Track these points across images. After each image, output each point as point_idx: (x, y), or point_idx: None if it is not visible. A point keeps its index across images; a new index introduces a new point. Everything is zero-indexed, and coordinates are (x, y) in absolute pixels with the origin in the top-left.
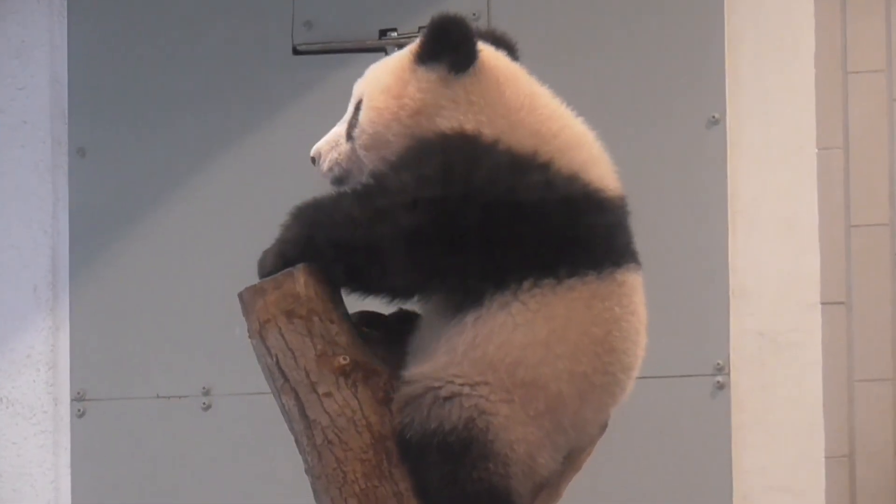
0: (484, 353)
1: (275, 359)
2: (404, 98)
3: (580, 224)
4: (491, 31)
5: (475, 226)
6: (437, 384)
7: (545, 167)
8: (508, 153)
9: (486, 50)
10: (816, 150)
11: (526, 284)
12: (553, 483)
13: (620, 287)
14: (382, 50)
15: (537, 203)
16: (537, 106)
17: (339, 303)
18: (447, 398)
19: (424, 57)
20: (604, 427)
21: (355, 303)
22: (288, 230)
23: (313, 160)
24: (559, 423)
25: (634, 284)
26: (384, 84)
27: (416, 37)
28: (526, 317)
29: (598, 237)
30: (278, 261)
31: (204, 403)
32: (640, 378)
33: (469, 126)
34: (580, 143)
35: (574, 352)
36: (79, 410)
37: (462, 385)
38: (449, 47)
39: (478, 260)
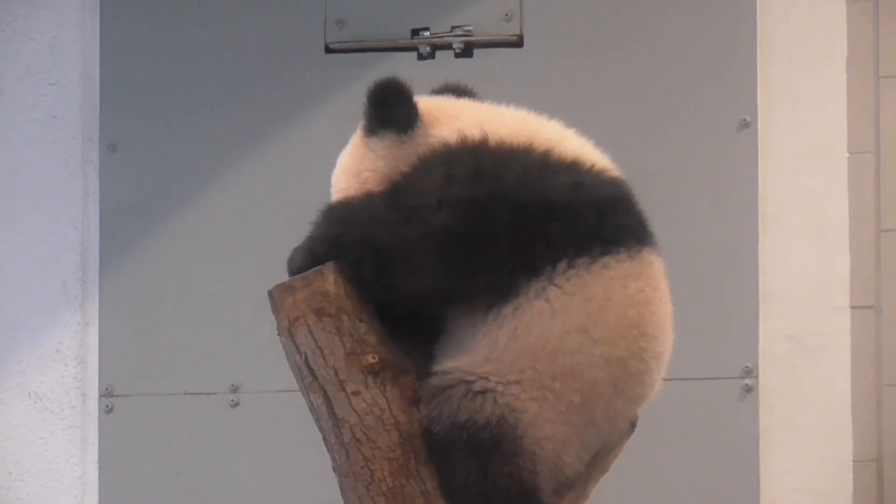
0: (524, 345)
1: (303, 356)
2: (363, 173)
3: (599, 202)
4: (447, 85)
5: (503, 220)
6: (470, 378)
7: (547, 155)
8: (514, 147)
9: (425, 100)
10: (847, 154)
11: (560, 266)
12: (580, 484)
13: (649, 267)
14: (415, 49)
15: (555, 187)
16: (501, 117)
17: (368, 301)
18: (479, 392)
19: (372, 128)
20: (633, 427)
21: None
22: (318, 228)
23: None
24: (591, 417)
25: (660, 267)
26: (344, 166)
27: (448, 36)
28: (563, 301)
29: (619, 214)
30: (308, 258)
31: (232, 400)
32: (668, 380)
33: None
34: (564, 136)
35: (612, 336)
36: (107, 406)
37: (496, 383)
38: (390, 112)
39: (509, 253)
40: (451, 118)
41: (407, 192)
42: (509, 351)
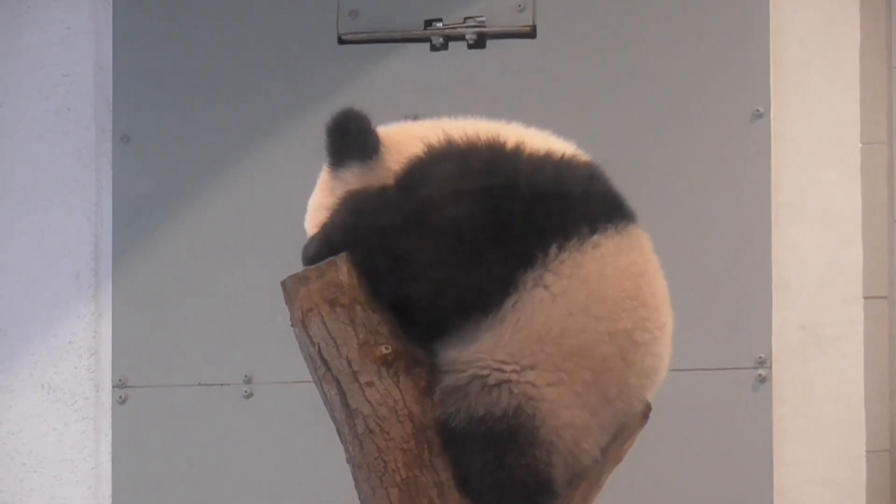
0: (529, 333)
1: (317, 347)
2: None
3: (579, 185)
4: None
5: (496, 213)
6: (484, 372)
7: (520, 149)
8: (487, 148)
9: (382, 127)
10: (860, 145)
11: (552, 251)
12: (594, 475)
13: (638, 241)
14: (427, 40)
15: (536, 177)
16: (462, 125)
17: (379, 295)
18: (494, 385)
19: (336, 161)
20: (646, 415)
21: None
22: (333, 216)
23: None
24: (606, 395)
25: (648, 242)
26: (316, 204)
27: (461, 27)
28: (561, 285)
29: (601, 194)
30: (323, 246)
31: (246, 391)
32: (682, 370)
33: None
34: (527, 132)
35: (612, 310)
36: (120, 397)
37: (510, 372)
38: (351, 141)
39: (504, 246)
40: (414, 138)
41: (420, 183)
42: (514, 340)
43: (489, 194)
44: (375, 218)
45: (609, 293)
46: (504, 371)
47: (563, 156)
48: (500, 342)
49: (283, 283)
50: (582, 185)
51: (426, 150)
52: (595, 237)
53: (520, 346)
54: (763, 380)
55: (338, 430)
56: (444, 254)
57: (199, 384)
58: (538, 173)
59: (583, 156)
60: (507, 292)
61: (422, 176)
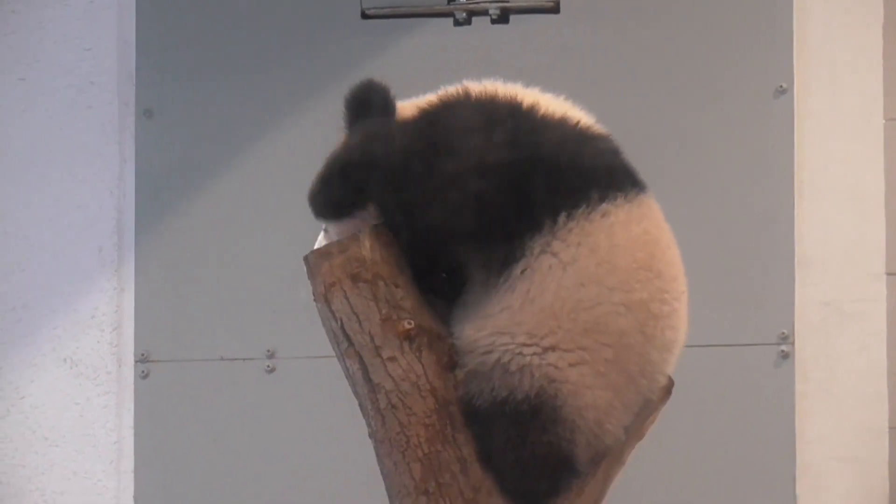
0: (542, 306)
1: (339, 322)
2: None
3: (591, 152)
4: None
5: (504, 176)
6: (506, 358)
7: (535, 109)
8: (503, 102)
9: (402, 103)
10: (883, 121)
11: (561, 219)
12: (616, 451)
13: (650, 210)
14: (451, 15)
15: (548, 140)
16: (483, 84)
17: (404, 267)
18: (516, 371)
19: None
20: (669, 390)
21: None
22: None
23: None
24: (628, 373)
25: (659, 212)
26: None
27: (484, 2)
28: (570, 253)
29: (611, 163)
30: (343, 187)
31: (268, 366)
32: (704, 346)
33: None
34: (543, 96)
35: (626, 280)
36: (142, 372)
37: (532, 355)
38: (372, 113)
39: (511, 209)
40: (426, 102)
41: (430, 128)
42: (527, 313)
43: (499, 150)
44: (396, 156)
45: (621, 263)
46: (524, 355)
47: (578, 122)
48: (515, 317)
49: (306, 258)
50: (593, 153)
51: (441, 97)
52: (604, 205)
53: (536, 322)
54: (786, 356)
55: (360, 405)
56: (449, 205)
57: (222, 359)
58: (551, 136)
59: (598, 127)
60: (513, 256)
61: (432, 121)
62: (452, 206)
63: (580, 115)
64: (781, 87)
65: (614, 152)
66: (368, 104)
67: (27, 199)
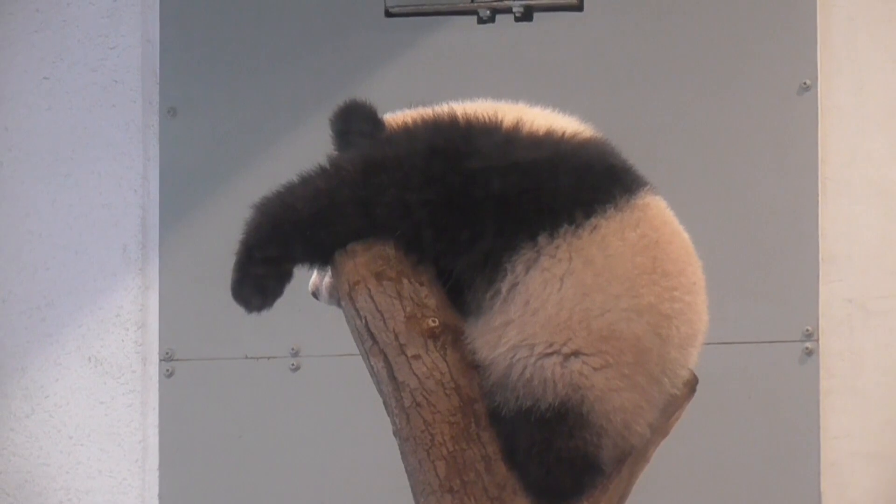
0: (548, 317)
1: (364, 321)
2: None
3: (568, 170)
4: None
5: (483, 192)
6: (528, 373)
7: (519, 127)
8: (485, 122)
9: (390, 116)
10: None
11: (542, 239)
12: (641, 448)
13: (645, 212)
14: (474, 13)
15: (529, 159)
16: (463, 105)
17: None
18: (539, 384)
19: (342, 147)
20: (693, 388)
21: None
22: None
23: (314, 295)
24: (650, 374)
25: (659, 206)
26: None
27: (507, 1)
28: (563, 267)
29: (597, 173)
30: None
31: (292, 364)
32: (729, 343)
33: None
34: (528, 110)
35: (630, 286)
36: (167, 370)
37: (554, 365)
38: (359, 128)
39: (486, 228)
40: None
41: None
42: (537, 325)
43: (471, 175)
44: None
45: (620, 271)
46: (545, 367)
47: (563, 135)
48: (525, 329)
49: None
50: (571, 170)
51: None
52: (592, 220)
53: (550, 331)
54: (810, 353)
55: (385, 403)
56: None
57: (246, 357)
58: (524, 159)
59: (583, 132)
60: (494, 276)
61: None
62: (422, 230)
63: (566, 126)
64: (805, 83)
65: (601, 160)
66: (352, 126)
67: (51, 198)
